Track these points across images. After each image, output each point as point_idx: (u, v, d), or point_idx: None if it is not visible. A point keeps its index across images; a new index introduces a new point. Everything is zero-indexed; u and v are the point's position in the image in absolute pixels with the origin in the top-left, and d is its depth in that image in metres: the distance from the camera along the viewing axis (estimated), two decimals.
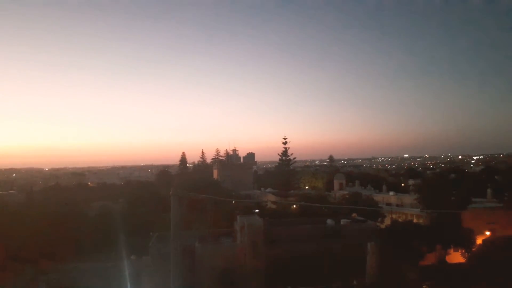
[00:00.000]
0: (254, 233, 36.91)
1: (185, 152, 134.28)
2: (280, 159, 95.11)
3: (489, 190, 68.61)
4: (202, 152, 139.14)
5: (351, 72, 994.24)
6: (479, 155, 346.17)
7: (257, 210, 54.16)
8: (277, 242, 38.57)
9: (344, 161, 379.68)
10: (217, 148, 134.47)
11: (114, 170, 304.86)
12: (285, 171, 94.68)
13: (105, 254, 40.60)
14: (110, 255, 40.23)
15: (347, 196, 65.28)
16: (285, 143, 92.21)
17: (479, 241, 43.74)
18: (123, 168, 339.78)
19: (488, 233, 48.95)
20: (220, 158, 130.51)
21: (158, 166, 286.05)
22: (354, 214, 49.12)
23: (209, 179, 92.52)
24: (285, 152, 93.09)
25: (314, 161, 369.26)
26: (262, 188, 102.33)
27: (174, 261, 15.19)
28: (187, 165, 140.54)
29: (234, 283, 35.99)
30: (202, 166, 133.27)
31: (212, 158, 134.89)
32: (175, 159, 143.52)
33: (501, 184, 74.17)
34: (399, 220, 53.70)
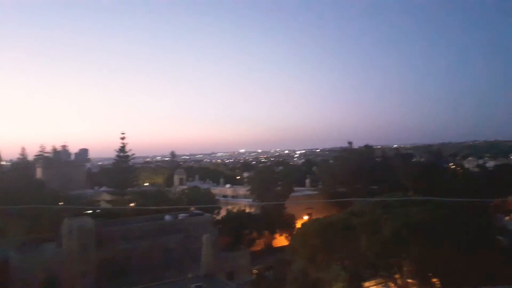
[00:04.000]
0: (83, 236, 34.14)
1: (0, 149, 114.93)
2: (117, 156, 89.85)
3: (307, 180, 78.80)
4: (23, 148, 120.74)
5: (193, 72, 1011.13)
6: (301, 150, 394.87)
7: (89, 211, 50.15)
8: (111, 243, 36.56)
9: (186, 157, 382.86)
10: (41, 144, 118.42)
11: None
12: (123, 168, 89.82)
13: None
14: None
15: (186, 191, 66.01)
16: (123, 138, 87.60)
17: (299, 224, 50.02)
18: None
19: (306, 217, 56.51)
20: (46, 155, 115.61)
21: None
22: (192, 208, 50.12)
23: (31, 179, 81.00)
24: (122, 148, 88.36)
25: (155, 157, 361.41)
26: (96, 187, 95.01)
27: None
28: (3, 163, 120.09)
29: None
30: (23, 164, 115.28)
31: (36, 155, 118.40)
32: None
33: (317, 174, 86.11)
34: (234, 210, 56.91)
